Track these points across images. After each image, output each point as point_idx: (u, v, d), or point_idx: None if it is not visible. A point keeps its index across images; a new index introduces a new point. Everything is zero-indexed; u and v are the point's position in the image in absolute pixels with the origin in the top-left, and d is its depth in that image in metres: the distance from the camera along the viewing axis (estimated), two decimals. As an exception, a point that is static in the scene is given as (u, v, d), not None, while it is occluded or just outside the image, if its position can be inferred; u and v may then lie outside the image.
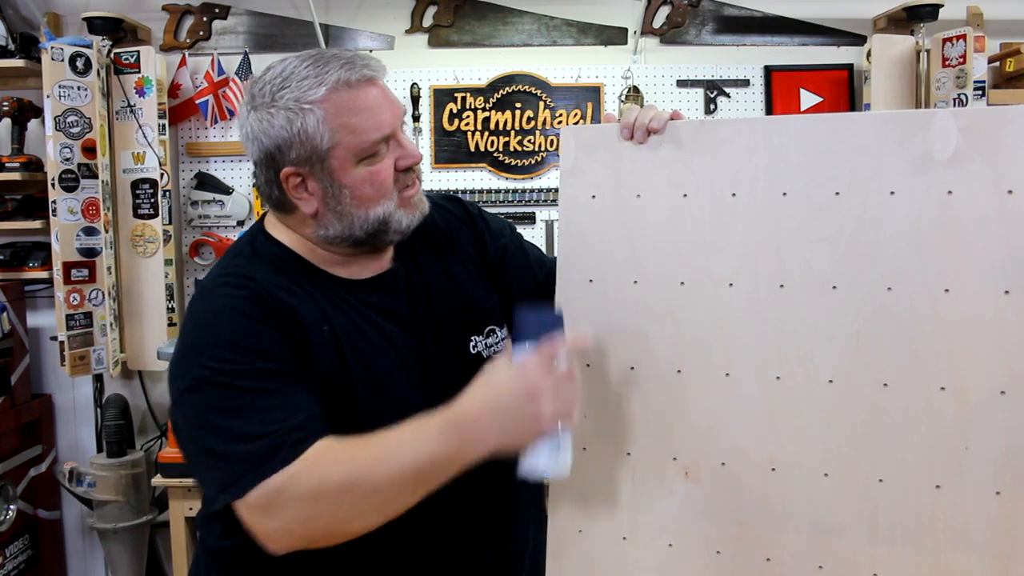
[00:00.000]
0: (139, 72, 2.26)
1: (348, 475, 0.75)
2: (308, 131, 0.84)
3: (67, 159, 2.22)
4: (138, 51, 2.26)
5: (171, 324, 2.40)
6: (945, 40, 2.14)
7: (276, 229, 0.94)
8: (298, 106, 0.83)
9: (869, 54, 2.32)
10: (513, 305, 0.97)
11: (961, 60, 2.11)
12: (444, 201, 1.06)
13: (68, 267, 2.22)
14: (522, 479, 0.81)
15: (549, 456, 0.77)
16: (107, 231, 2.22)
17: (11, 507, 2.23)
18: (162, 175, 2.35)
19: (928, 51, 2.20)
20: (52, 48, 2.15)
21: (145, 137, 2.27)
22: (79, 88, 2.18)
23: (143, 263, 2.32)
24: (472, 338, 0.97)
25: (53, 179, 2.18)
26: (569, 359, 0.78)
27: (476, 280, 1.01)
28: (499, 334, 0.99)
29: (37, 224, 2.34)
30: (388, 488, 0.75)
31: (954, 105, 2.11)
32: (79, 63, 2.18)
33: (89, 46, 2.16)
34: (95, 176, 2.21)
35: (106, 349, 2.24)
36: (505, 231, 1.06)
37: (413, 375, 0.92)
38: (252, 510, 0.76)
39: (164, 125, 2.35)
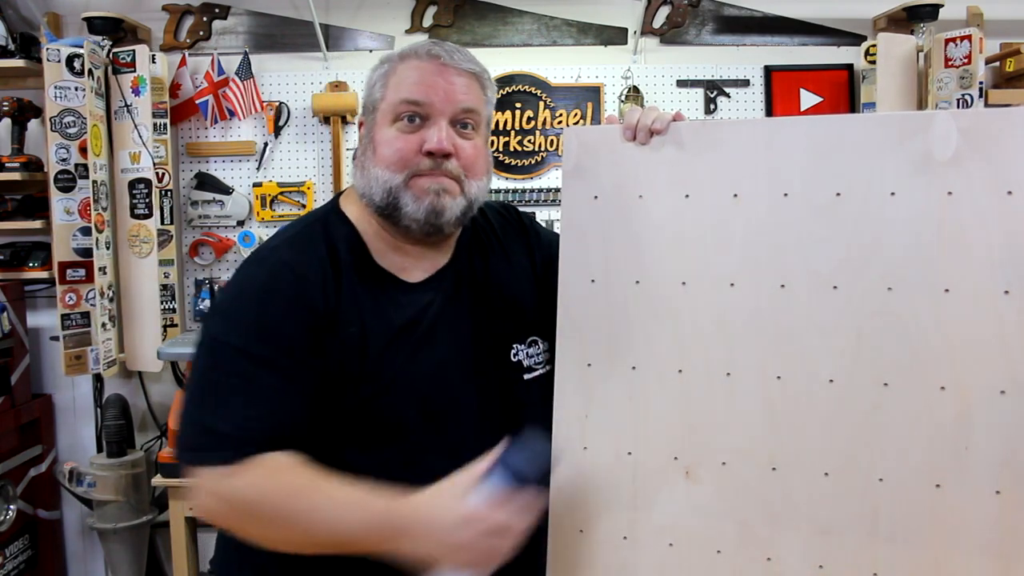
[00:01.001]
0: (135, 71, 2.26)
1: (279, 506, 0.80)
2: (374, 81, 0.95)
3: (63, 159, 2.23)
4: (133, 50, 2.26)
5: (172, 325, 2.40)
6: (948, 40, 2.14)
7: (348, 201, 0.99)
8: (382, 64, 0.95)
9: (867, 53, 2.32)
10: (550, 317, 0.98)
11: (966, 60, 2.11)
12: (500, 207, 1.09)
13: (64, 267, 2.22)
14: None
15: None
16: (101, 231, 2.22)
17: (11, 507, 2.23)
18: (162, 175, 2.35)
19: (929, 51, 2.20)
20: (48, 49, 2.16)
21: (140, 137, 2.27)
22: (76, 88, 2.18)
23: (139, 263, 2.32)
24: (514, 346, 0.98)
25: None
26: (519, 523, 0.78)
27: (524, 288, 1.02)
28: (540, 345, 1.00)
29: (37, 224, 2.34)
30: (307, 535, 0.80)
31: (958, 106, 2.11)
32: (76, 64, 2.18)
33: (81, 46, 2.16)
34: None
35: (99, 349, 2.24)
36: (553, 244, 1.05)
37: (453, 378, 0.93)
38: (195, 482, 0.83)
39: (166, 124, 2.35)
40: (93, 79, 2.18)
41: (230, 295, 0.92)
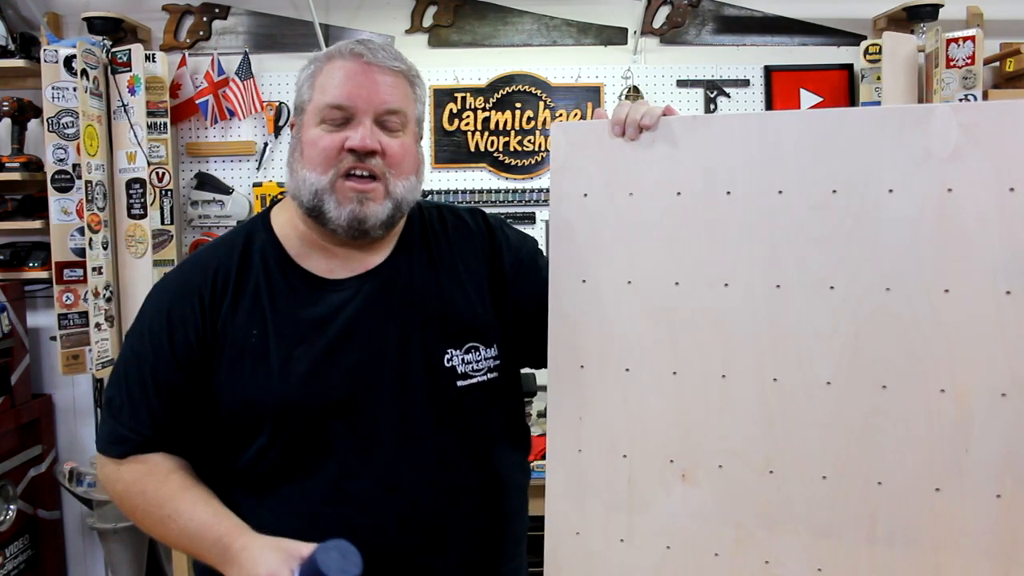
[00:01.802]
0: (131, 71, 2.25)
1: (137, 505, 0.91)
2: (302, 82, 0.95)
3: (61, 160, 2.23)
4: (129, 50, 2.25)
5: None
6: (950, 41, 2.13)
7: (278, 211, 1.01)
8: (309, 65, 0.95)
9: (867, 52, 2.31)
10: (522, 319, 0.99)
11: (969, 61, 2.09)
12: (464, 211, 1.07)
13: (61, 267, 2.22)
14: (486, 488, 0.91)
15: None
16: (96, 231, 2.22)
17: (11, 507, 2.23)
18: (163, 175, 2.35)
19: (935, 51, 2.19)
20: (45, 50, 2.16)
21: (135, 136, 2.26)
22: (73, 89, 2.18)
23: (135, 263, 2.31)
24: (448, 350, 0.95)
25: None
26: None
27: (470, 294, 0.99)
28: (483, 352, 0.97)
29: (37, 224, 2.34)
30: (156, 532, 0.92)
31: (960, 107, 2.09)
32: (74, 64, 2.18)
33: (75, 46, 2.16)
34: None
35: (94, 349, 2.24)
36: (524, 246, 1.06)
37: (355, 380, 0.92)
38: (96, 460, 0.97)
39: (166, 124, 2.35)
40: (89, 79, 2.19)
41: (148, 297, 0.99)
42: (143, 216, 2.29)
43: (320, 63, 0.93)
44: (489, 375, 0.98)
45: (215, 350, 0.92)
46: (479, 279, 1.00)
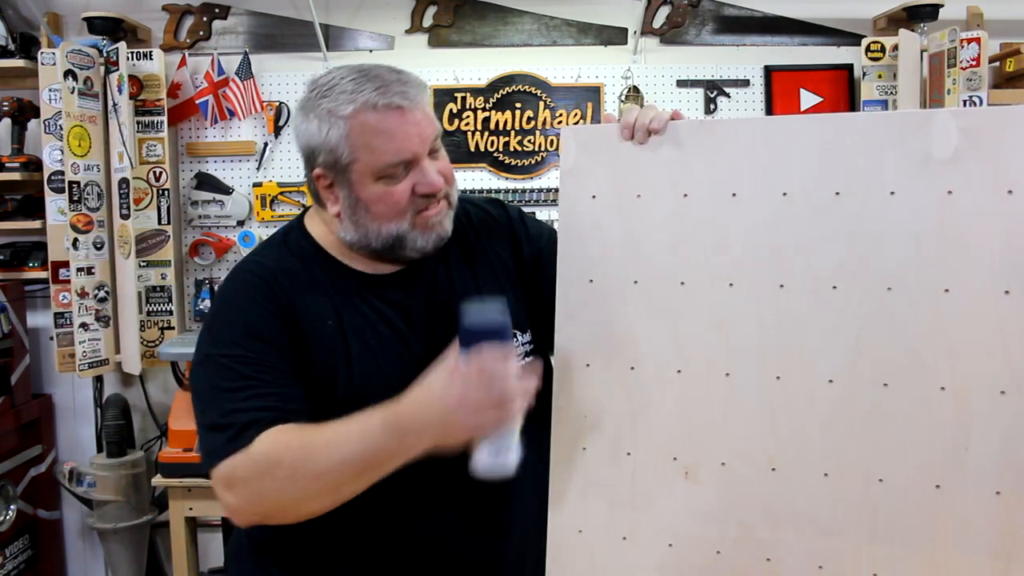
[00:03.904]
0: (118, 70, 2.24)
1: (296, 459, 0.82)
2: (332, 142, 0.90)
3: (58, 160, 2.22)
4: (117, 48, 2.24)
5: (168, 328, 2.39)
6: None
7: (312, 222, 1.00)
8: (329, 117, 0.89)
9: (868, 49, 2.32)
10: (543, 308, 1.00)
11: (974, 63, 2.10)
12: (485, 203, 1.09)
13: (57, 267, 2.22)
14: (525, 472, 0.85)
15: (489, 455, 0.81)
16: (84, 231, 2.21)
17: (11, 507, 2.23)
18: (159, 174, 2.34)
19: (939, 51, 2.19)
20: (43, 53, 2.16)
21: (121, 135, 2.25)
22: (69, 91, 2.17)
23: (124, 264, 2.30)
24: None
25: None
26: (503, 366, 0.78)
27: (502, 284, 1.02)
28: (520, 338, 1.00)
29: (37, 224, 2.34)
30: (332, 473, 0.82)
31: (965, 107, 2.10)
32: (57, 64, 2.17)
33: (57, 44, 2.15)
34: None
35: (77, 350, 2.23)
36: (544, 235, 1.07)
37: (415, 373, 0.92)
38: (218, 484, 0.85)
39: (163, 122, 2.34)
40: (78, 80, 2.18)
41: (212, 314, 0.97)
42: (128, 216, 2.28)
43: (348, 119, 0.88)
44: (525, 360, 0.99)
45: (302, 336, 0.91)
46: (508, 269, 1.03)
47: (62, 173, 2.21)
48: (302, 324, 0.92)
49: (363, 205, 0.92)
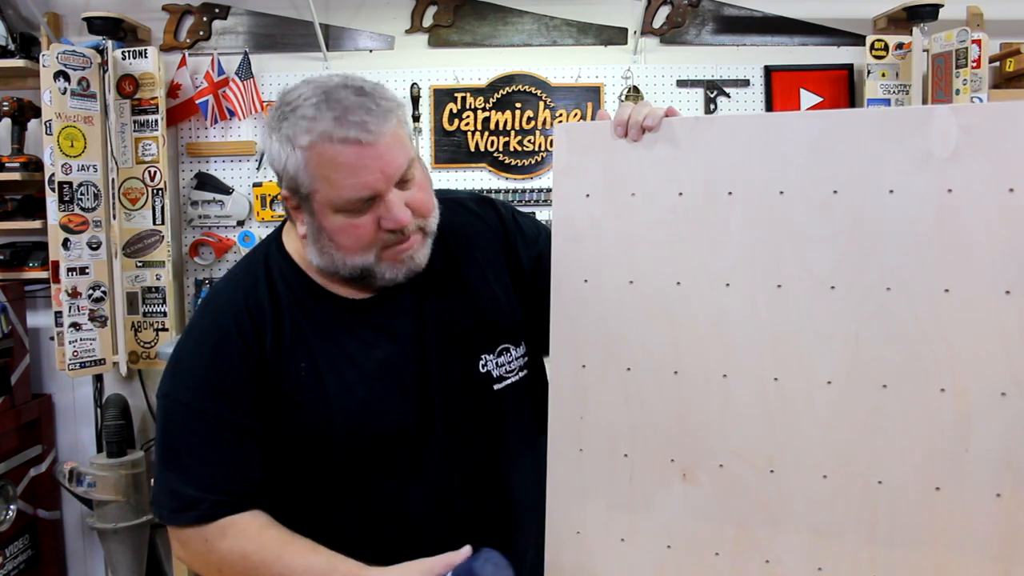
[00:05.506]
0: (107, 69, 2.23)
1: (245, 570, 0.86)
2: (291, 171, 0.85)
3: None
4: (107, 47, 2.23)
5: (163, 329, 2.38)
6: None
7: (289, 237, 0.96)
8: (288, 143, 0.84)
9: (872, 47, 2.31)
10: (543, 310, 0.96)
11: (974, 64, 2.10)
12: (475, 205, 1.03)
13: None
14: (523, 488, 0.87)
15: None
16: (75, 232, 2.21)
17: (11, 507, 2.23)
18: (153, 173, 2.34)
19: (956, 51, 2.18)
20: (43, 55, 2.16)
21: (109, 135, 2.24)
22: (67, 92, 2.17)
23: (115, 264, 2.30)
24: (483, 356, 0.96)
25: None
26: None
27: (497, 294, 0.98)
28: (513, 352, 0.98)
29: (37, 224, 2.34)
30: None
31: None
32: (46, 64, 2.17)
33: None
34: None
35: (70, 349, 2.23)
36: (540, 236, 1.02)
37: (410, 399, 0.92)
38: (171, 534, 0.91)
39: (158, 121, 2.33)
40: (71, 81, 2.17)
41: (180, 348, 0.93)
42: (114, 217, 2.27)
43: (305, 150, 0.82)
44: (520, 374, 0.99)
45: (268, 388, 0.89)
46: (501, 274, 1.00)
47: (61, 173, 2.21)
48: (273, 370, 0.88)
49: (326, 234, 0.86)
